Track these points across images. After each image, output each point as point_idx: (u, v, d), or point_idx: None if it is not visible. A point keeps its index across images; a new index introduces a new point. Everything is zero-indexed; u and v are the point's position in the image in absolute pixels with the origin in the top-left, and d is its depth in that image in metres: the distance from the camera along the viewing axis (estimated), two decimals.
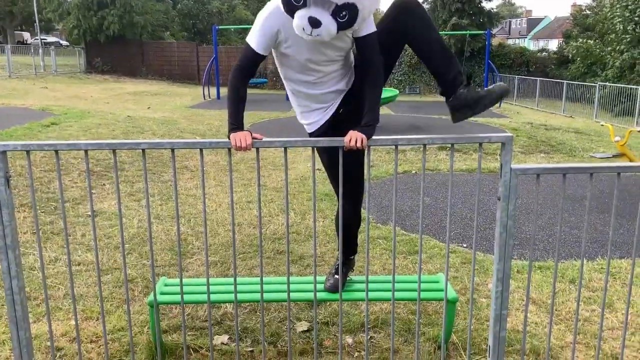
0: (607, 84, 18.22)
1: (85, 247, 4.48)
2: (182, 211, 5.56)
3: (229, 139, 2.27)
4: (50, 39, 44.28)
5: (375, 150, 8.36)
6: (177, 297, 2.75)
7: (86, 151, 2.24)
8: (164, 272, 4.02)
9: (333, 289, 2.88)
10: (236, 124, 2.35)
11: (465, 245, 4.78)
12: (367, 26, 2.38)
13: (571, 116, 17.79)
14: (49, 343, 2.79)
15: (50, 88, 19.36)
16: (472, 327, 3.24)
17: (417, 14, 2.43)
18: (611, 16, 21.14)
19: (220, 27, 22.15)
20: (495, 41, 28.12)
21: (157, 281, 2.97)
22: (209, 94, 19.56)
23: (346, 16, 2.17)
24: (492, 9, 27.79)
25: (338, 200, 2.58)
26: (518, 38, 64.84)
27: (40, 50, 26.04)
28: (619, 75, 20.16)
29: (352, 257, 3.07)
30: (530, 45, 50.38)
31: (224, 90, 21.58)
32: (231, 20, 36.58)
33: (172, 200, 5.96)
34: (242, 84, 2.42)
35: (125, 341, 3.00)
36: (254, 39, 2.39)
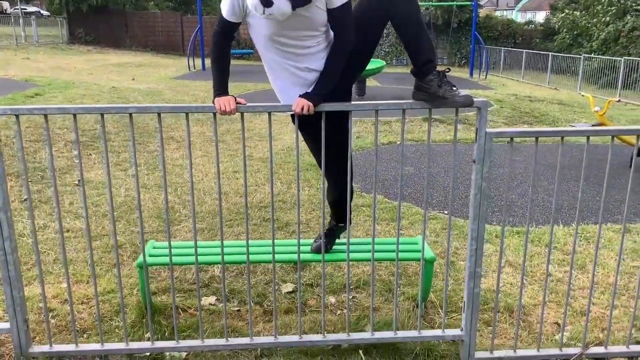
0: (591, 55, 18.34)
1: (73, 215, 4.54)
2: (169, 180, 5.62)
3: (214, 104, 2.33)
4: (31, 8, 43.22)
5: (361, 122, 8.44)
6: (165, 259, 2.84)
7: (75, 115, 2.29)
8: (152, 238, 4.10)
9: (317, 251, 2.98)
10: (220, 89, 2.41)
11: (446, 212, 4.91)
12: None
13: (556, 88, 17.92)
14: (41, 304, 2.88)
15: (32, 59, 19.03)
16: (450, 287, 3.38)
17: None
18: None
19: None
20: (482, 12, 27.98)
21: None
22: (194, 64, 19.35)
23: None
24: None
25: (323, 175, 2.61)
26: (506, 10, 64.47)
27: (21, 20, 25.49)
28: (604, 47, 20.26)
29: (342, 224, 3.07)
30: (518, 17, 50.15)
31: (209, 61, 21.24)
32: None
33: (158, 170, 6.01)
34: (222, 49, 2.45)
35: (116, 302, 3.10)
36: (224, 6, 2.39)
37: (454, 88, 2.35)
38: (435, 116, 9.23)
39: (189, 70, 18.67)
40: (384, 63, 13.95)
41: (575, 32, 22.61)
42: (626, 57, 16.21)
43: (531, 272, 3.72)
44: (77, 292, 3.25)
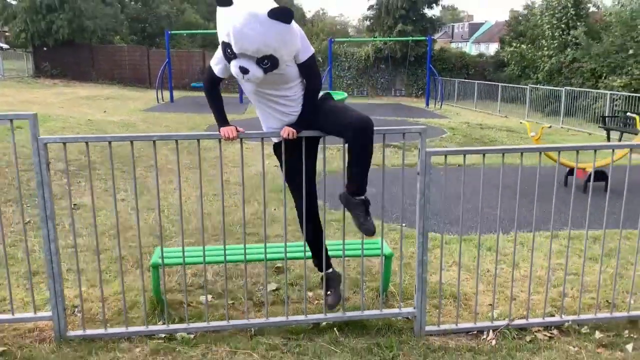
0: (536, 86, 19.78)
1: (75, 234, 5.09)
2: (154, 204, 6.21)
3: (220, 132, 3.02)
4: None
5: (329, 149, 9.21)
6: (173, 261, 3.48)
7: (110, 142, 2.95)
8: (149, 252, 4.69)
9: (333, 304, 3.35)
10: (222, 121, 3.10)
11: (405, 224, 5.67)
12: (302, 53, 2.86)
13: (506, 116, 19.22)
14: (67, 302, 3.45)
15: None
16: (406, 282, 4.10)
17: (367, 138, 2.94)
18: (541, 23, 22.84)
19: (172, 32, 22.50)
20: (437, 45, 29.59)
21: (150, 253, 3.67)
22: (162, 97, 19.94)
23: (268, 64, 2.67)
24: (434, 15, 29.28)
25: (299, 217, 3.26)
26: (460, 42, 67.39)
27: None
28: (548, 78, 21.83)
29: (332, 270, 3.43)
30: (472, 49, 52.60)
31: (177, 94, 21.99)
32: (180, 24, 36.75)
33: (144, 194, 6.60)
34: (213, 94, 3.07)
35: (129, 299, 3.68)
36: (215, 64, 2.98)
37: (368, 217, 3.07)
38: (394, 143, 10.10)
39: (158, 102, 19.24)
40: (346, 95, 14.88)
41: (523, 64, 24.24)
42: (567, 87, 17.64)
43: (473, 269, 4.48)
44: (93, 294, 3.82)
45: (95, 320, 3.44)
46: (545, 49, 22.29)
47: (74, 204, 5.96)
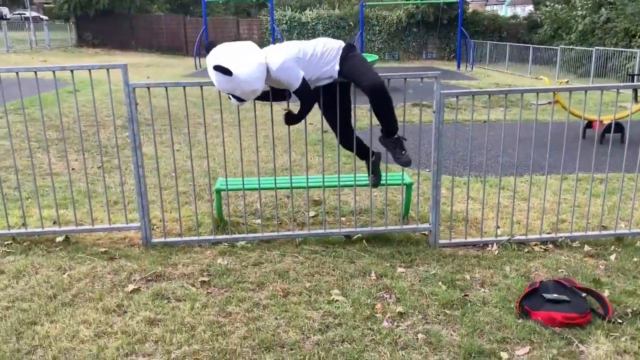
0: (568, 47, 19.79)
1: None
2: (205, 153, 7.03)
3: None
4: (29, 13, 44.42)
5: (358, 109, 9.87)
6: (234, 186, 4.26)
7: (184, 87, 3.70)
8: (206, 188, 5.51)
9: (373, 183, 4.16)
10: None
11: (427, 170, 6.35)
12: (290, 85, 3.47)
13: (536, 77, 19.38)
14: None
15: (49, 61, 20.39)
16: (423, 209, 4.80)
17: (381, 96, 3.59)
18: None
19: (209, 0, 23.14)
20: (472, 8, 29.46)
21: (213, 182, 4.45)
22: (200, 64, 20.74)
23: (238, 97, 3.43)
24: None
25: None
26: (496, 4, 65.99)
27: (32, 25, 26.81)
28: (581, 38, 21.72)
29: (373, 156, 4.08)
30: (508, 11, 51.53)
31: None
32: None
33: (195, 146, 7.44)
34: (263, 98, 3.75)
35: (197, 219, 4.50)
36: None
37: (403, 152, 3.76)
38: (425, 102, 10.65)
39: (196, 69, 20.06)
40: (376, 57, 15.37)
41: (556, 25, 24.08)
42: (597, 47, 17.66)
43: (486, 203, 5.15)
44: (166, 217, 4.64)
45: (172, 234, 4.27)
46: (579, 8, 22.11)
47: None
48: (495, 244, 4.10)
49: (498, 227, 4.32)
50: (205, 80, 3.65)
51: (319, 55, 3.58)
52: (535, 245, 4.15)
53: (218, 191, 4.30)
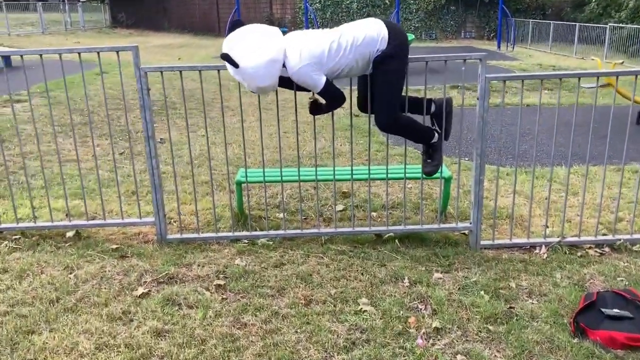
0: (618, 25, 18.67)
1: (163, 162, 5.68)
2: (231, 139, 6.73)
3: None
4: None
5: None
6: (254, 179, 3.93)
7: (200, 71, 3.37)
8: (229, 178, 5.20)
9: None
10: None
11: (467, 159, 5.89)
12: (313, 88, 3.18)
13: (582, 58, 18.39)
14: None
15: (82, 43, 20.41)
16: (463, 204, 4.38)
17: (392, 131, 3.42)
18: None
19: None
20: None
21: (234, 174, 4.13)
22: None
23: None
24: None
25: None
26: None
27: (67, 7, 26.98)
28: (632, 16, 20.48)
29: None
30: None
31: None
32: None
33: (221, 132, 7.14)
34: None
35: (216, 213, 4.19)
36: None
37: (429, 161, 3.54)
38: (466, 84, 10.13)
39: None
40: (413, 36, 14.75)
41: (604, 3, 22.79)
42: None
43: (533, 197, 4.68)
44: (184, 209, 4.36)
45: (189, 228, 3.98)
46: None
47: (160, 138, 6.57)
48: (544, 246, 3.67)
49: (547, 227, 3.87)
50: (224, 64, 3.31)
51: (349, 54, 3.17)
52: (590, 248, 3.70)
53: (239, 183, 3.98)
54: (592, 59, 8.70)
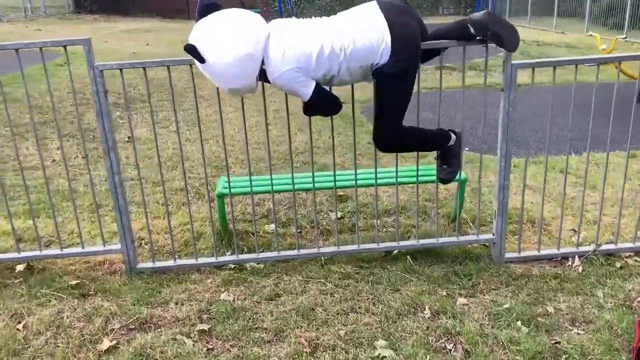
0: None
1: (132, 166, 5.04)
2: (208, 134, 6.11)
3: None
4: None
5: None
6: (239, 190, 3.35)
7: (168, 67, 2.76)
8: (209, 182, 4.61)
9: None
10: None
11: (467, 149, 5.38)
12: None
13: (563, 32, 18.01)
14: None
15: (44, 30, 19.26)
16: (474, 208, 3.88)
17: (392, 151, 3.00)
18: None
19: None
20: None
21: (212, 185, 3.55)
22: None
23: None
24: None
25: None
26: None
27: None
28: None
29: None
30: None
31: None
32: None
33: (196, 125, 6.50)
34: None
35: (195, 230, 3.61)
36: None
37: (444, 166, 3.01)
38: (448, 64, 9.61)
39: None
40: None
41: None
42: None
43: (548, 192, 4.20)
44: (157, 226, 3.77)
45: (163, 251, 3.40)
46: None
47: (128, 137, 5.92)
48: (577, 257, 3.19)
49: (576, 232, 3.39)
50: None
51: (342, 63, 2.57)
52: (629, 257, 3.23)
53: (220, 196, 3.39)
54: (590, 35, 8.20)
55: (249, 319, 2.68)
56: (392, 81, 2.60)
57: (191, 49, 2.44)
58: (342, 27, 2.59)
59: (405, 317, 2.69)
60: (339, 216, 3.90)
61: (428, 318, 2.68)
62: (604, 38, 8.22)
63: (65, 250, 3.12)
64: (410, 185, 4.02)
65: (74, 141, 5.93)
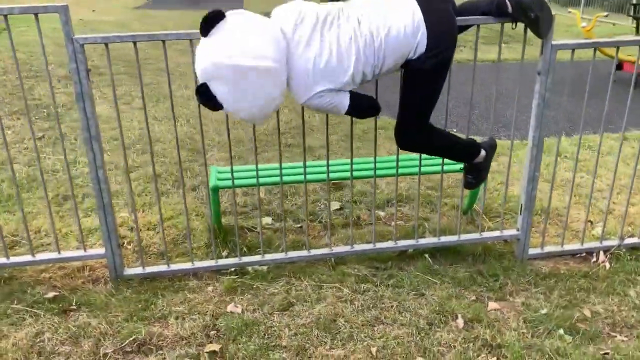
0: None
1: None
2: (177, 112, 5.60)
3: None
4: None
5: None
6: (241, 181, 2.97)
7: (135, 43, 2.34)
8: (185, 167, 4.18)
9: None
10: None
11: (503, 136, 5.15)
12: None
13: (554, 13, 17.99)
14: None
15: None
16: (489, 197, 3.64)
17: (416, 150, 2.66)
18: None
19: None
20: None
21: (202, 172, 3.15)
22: None
23: None
24: None
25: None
26: None
27: None
28: None
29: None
30: None
31: None
32: None
33: (161, 102, 5.98)
34: None
35: (183, 227, 3.21)
36: None
37: (469, 176, 2.76)
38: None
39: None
40: None
41: None
42: None
43: (549, 180, 4.01)
44: (141, 220, 3.32)
45: (149, 252, 2.98)
46: None
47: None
48: (602, 252, 3.01)
49: (592, 224, 3.21)
50: (171, 32, 2.27)
51: (381, 58, 2.23)
52: None
53: (215, 190, 2.99)
54: (570, 12, 8.05)
55: (264, 335, 2.34)
56: (431, 75, 2.28)
57: (206, 93, 2.09)
58: (369, 11, 2.22)
59: (437, 327, 2.42)
60: (337, 207, 3.59)
61: (462, 328, 2.42)
62: (584, 17, 8.12)
63: (39, 256, 2.66)
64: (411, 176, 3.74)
65: (25, 119, 5.30)
